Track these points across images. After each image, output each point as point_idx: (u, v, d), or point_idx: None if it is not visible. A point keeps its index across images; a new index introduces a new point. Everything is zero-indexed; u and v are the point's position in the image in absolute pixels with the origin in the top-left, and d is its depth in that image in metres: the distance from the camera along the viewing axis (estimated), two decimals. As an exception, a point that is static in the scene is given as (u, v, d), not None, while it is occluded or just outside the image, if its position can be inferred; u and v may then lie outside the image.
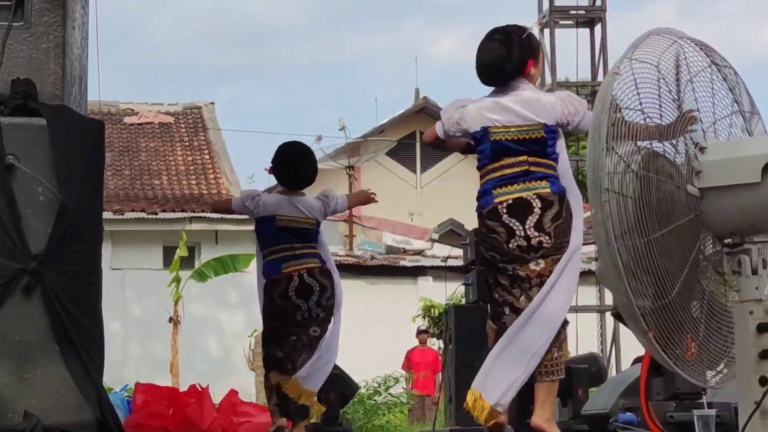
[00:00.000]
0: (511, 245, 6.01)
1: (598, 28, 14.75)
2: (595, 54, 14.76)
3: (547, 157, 6.08)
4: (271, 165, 7.85)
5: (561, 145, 6.21)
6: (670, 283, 3.75)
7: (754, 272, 3.77)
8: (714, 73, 3.95)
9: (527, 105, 6.08)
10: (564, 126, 6.13)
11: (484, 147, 6.14)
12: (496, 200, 6.05)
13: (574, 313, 14.16)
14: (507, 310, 6.09)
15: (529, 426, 5.98)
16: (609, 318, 14.20)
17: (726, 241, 3.83)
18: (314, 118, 74.27)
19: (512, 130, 6.07)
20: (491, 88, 6.26)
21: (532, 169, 6.04)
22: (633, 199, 3.64)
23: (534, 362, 5.95)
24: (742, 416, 3.74)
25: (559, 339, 5.99)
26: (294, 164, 7.78)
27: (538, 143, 6.07)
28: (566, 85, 15.32)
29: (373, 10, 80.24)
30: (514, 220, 6.00)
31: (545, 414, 5.95)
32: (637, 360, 7.18)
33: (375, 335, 21.43)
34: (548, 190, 6.01)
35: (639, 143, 3.72)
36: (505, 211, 6.02)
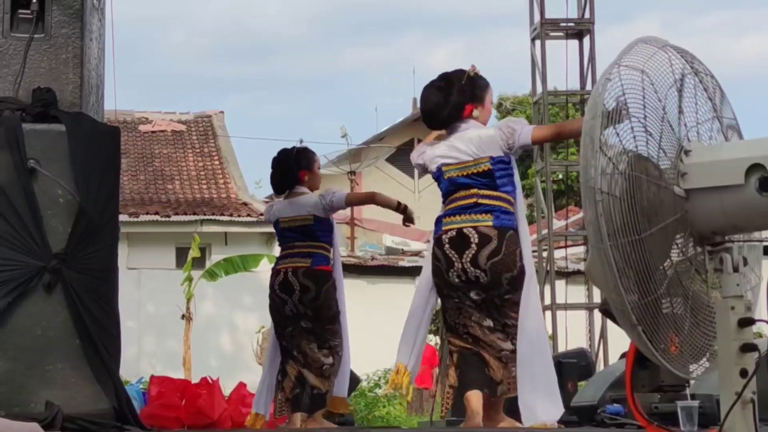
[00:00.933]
0: (450, 275, 6.14)
1: (586, 39, 14.74)
2: (583, 64, 14.74)
3: (496, 188, 6.18)
4: None
5: (513, 174, 6.27)
6: (657, 280, 3.74)
7: (735, 270, 3.77)
8: (694, 79, 3.95)
9: (471, 142, 6.22)
10: (510, 148, 6.21)
11: (442, 185, 6.35)
12: (444, 228, 6.21)
13: (564, 310, 14.19)
14: (461, 330, 6.20)
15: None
16: (597, 315, 14.21)
17: (714, 239, 3.83)
18: (318, 126, 74.30)
19: (461, 166, 6.23)
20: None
21: (481, 201, 6.16)
22: (620, 200, 3.63)
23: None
24: (723, 407, 3.74)
25: (513, 360, 6.09)
26: (273, 172, 7.86)
27: (487, 176, 6.18)
28: (555, 94, 15.32)
29: (373, 23, 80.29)
30: (453, 252, 6.14)
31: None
32: (624, 355, 7.18)
33: (375, 332, 21.39)
34: (490, 224, 6.10)
35: (625, 146, 3.72)
36: (447, 241, 6.17)
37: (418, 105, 6.56)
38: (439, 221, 6.26)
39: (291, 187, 7.75)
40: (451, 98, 6.27)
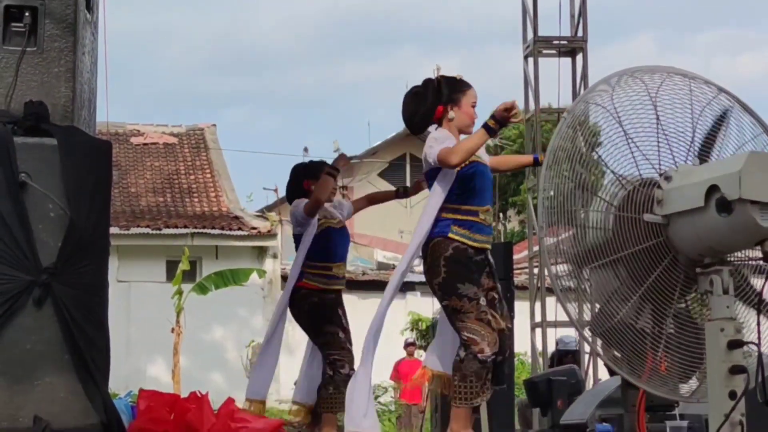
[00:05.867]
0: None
1: (579, 57, 14.77)
2: (576, 82, 14.76)
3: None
4: None
5: (439, 181, 6.23)
6: (639, 305, 3.76)
7: (725, 292, 3.77)
8: (736, 107, 4.02)
9: (424, 152, 6.29)
10: (436, 165, 6.20)
11: None
12: None
13: (554, 327, 14.17)
14: None
15: None
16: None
17: (704, 262, 3.84)
18: (311, 141, 74.36)
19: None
20: None
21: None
22: (593, 229, 3.68)
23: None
24: (712, 428, 3.75)
25: (460, 370, 6.14)
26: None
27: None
28: (548, 111, 15.34)
29: (368, 38, 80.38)
30: None
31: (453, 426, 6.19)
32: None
33: (366, 346, 21.35)
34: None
35: (621, 175, 3.76)
36: None
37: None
38: None
39: (297, 197, 7.70)
40: (424, 103, 6.30)
